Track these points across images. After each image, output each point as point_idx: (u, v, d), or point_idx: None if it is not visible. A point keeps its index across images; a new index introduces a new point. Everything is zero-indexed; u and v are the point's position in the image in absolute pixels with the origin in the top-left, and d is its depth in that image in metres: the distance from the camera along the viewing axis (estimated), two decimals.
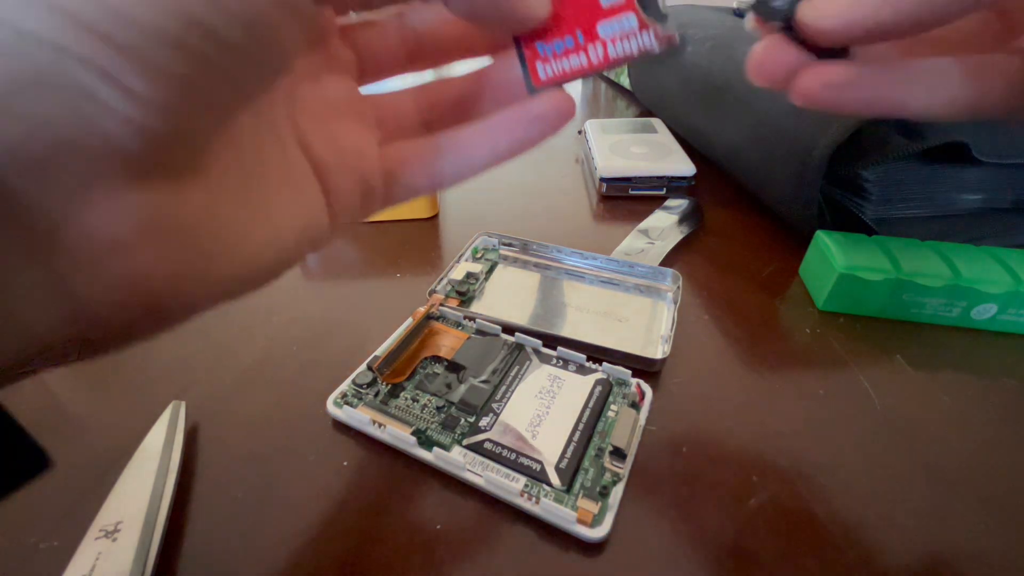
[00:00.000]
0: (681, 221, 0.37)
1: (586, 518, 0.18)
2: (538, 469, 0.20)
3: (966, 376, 0.26)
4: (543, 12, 0.14)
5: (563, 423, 0.22)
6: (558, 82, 0.14)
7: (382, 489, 0.20)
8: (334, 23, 0.16)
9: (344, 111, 0.16)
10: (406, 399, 0.23)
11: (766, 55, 0.14)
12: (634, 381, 0.24)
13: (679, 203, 0.39)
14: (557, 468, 0.20)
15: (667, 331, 0.27)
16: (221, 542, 0.19)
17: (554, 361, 0.25)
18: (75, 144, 0.09)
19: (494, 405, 0.22)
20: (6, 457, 0.09)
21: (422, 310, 0.27)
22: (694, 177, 0.41)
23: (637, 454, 0.21)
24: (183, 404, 0.22)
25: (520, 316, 0.29)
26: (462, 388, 0.23)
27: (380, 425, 0.21)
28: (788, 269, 0.33)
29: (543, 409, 0.22)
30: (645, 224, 0.36)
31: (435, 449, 0.20)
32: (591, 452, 0.21)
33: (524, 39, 0.14)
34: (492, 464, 0.20)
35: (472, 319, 0.27)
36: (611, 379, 0.24)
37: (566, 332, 0.27)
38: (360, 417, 0.22)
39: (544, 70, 0.14)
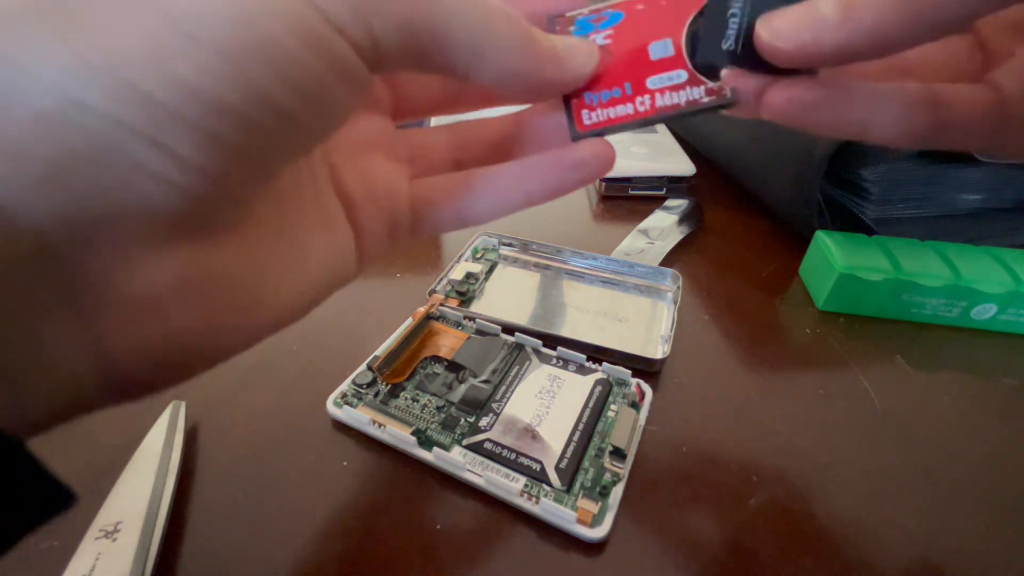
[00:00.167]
0: (681, 221, 0.37)
1: (586, 518, 0.18)
2: (538, 469, 0.20)
3: (966, 376, 0.26)
4: (587, 70, 0.13)
5: (563, 423, 0.22)
6: (602, 130, 0.14)
7: (382, 489, 0.20)
8: None
9: (377, 147, 0.15)
10: (406, 399, 0.23)
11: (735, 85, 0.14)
12: (634, 381, 0.24)
13: (679, 203, 0.39)
14: (557, 468, 0.20)
15: (667, 331, 0.27)
16: (221, 542, 0.19)
17: (554, 361, 0.25)
18: (122, 211, 0.09)
19: (494, 405, 0.22)
20: (30, 496, 0.09)
21: (422, 310, 0.27)
22: (694, 177, 0.41)
23: (637, 454, 0.21)
24: (183, 404, 0.22)
25: (520, 316, 0.29)
26: (462, 388, 0.23)
27: (380, 425, 0.21)
28: (788, 269, 0.33)
29: (543, 409, 0.22)
30: (645, 224, 0.36)
31: (435, 449, 0.20)
32: (591, 452, 0.21)
33: None
34: (492, 464, 0.20)
35: (472, 319, 0.27)
36: (611, 379, 0.24)
37: (566, 332, 0.27)
38: (360, 417, 0.22)
39: (589, 116, 0.14)
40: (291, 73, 0.09)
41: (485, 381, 0.24)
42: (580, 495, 0.19)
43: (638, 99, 0.14)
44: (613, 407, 0.23)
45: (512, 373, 0.24)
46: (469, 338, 0.26)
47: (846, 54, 0.11)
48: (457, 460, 0.20)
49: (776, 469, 0.21)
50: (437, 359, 0.25)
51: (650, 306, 0.30)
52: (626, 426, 0.21)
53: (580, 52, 0.13)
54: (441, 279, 0.30)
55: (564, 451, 0.20)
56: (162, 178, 0.09)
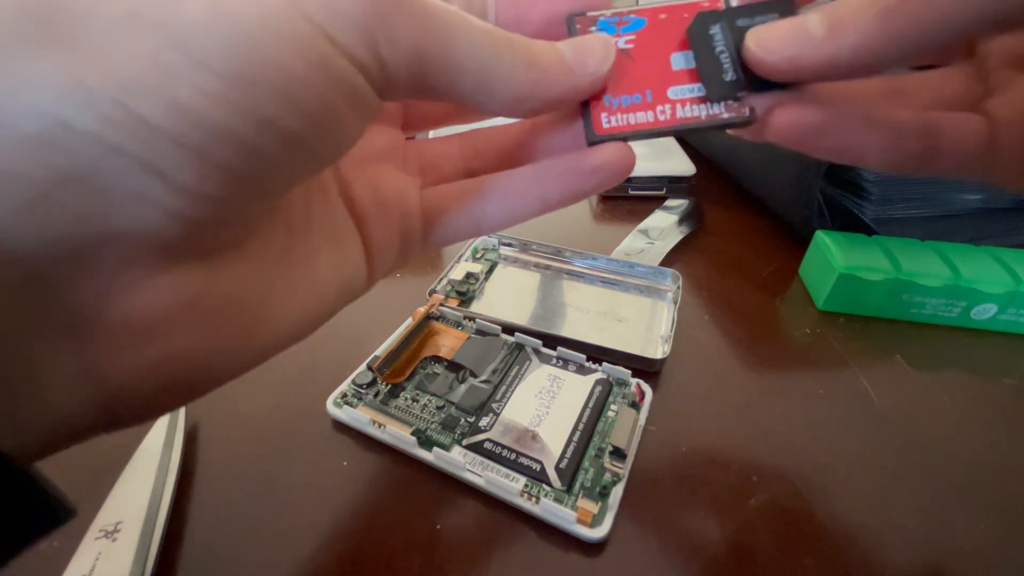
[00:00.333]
0: (681, 221, 0.37)
1: (586, 518, 0.18)
2: (538, 469, 0.20)
3: (966, 376, 0.26)
4: (603, 70, 0.13)
5: (563, 423, 0.22)
6: (620, 135, 0.14)
7: (382, 489, 0.20)
8: None
9: (387, 158, 0.15)
10: (406, 399, 0.23)
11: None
12: (634, 381, 0.24)
13: (679, 203, 0.39)
14: (557, 468, 0.20)
15: (667, 331, 0.27)
16: (221, 542, 0.19)
17: (554, 361, 0.25)
18: (114, 235, 0.08)
19: (494, 405, 0.22)
20: (29, 512, 0.09)
21: (422, 310, 0.27)
22: (694, 177, 0.41)
23: (637, 454, 0.21)
24: None
25: (520, 316, 0.29)
26: (462, 388, 0.23)
27: (380, 425, 0.21)
28: (788, 269, 0.33)
29: (543, 409, 0.22)
30: (645, 224, 0.36)
31: (435, 449, 0.20)
32: (591, 452, 0.21)
33: None
34: (492, 464, 0.20)
35: (472, 319, 0.27)
36: (611, 379, 0.24)
37: (566, 332, 0.27)
38: (360, 417, 0.22)
39: (608, 120, 0.13)
40: (299, 99, 0.09)
41: (485, 381, 0.24)
42: (580, 495, 0.19)
43: (659, 108, 0.13)
44: (613, 407, 0.23)
45: (512, 373, 0.24)
46: (469, 338, 0.26)
47: (833, 70, 0.11)
48: (457, 460, 0.20)
49: (776, 469, 0.21)
50: (437, 359, 0.25)
51: (650, 306, 0.30)
52: (626, 426, 0.21)
53: (595, 51, 0.13)
54: (441, 279, 0.30)
55: (564, 451, 0.20)
56: (156, 203, 0.08)
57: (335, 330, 0.28)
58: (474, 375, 0.24)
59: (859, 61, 0.11)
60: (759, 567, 0.18)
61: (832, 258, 0.29)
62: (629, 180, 0.41)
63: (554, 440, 0.21)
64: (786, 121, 0.12)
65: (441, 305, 0.28)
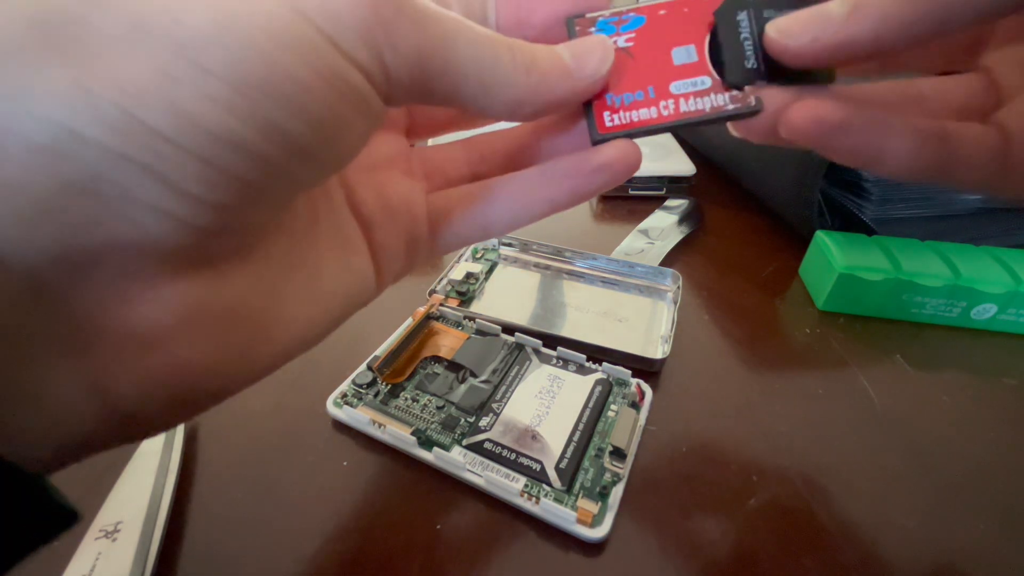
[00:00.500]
0: (681, 221, 0.37)
1: (586, 518, 0.18)
2: (538, 469, 0.20)
3: (966, 376, 0.26)
4: (602, 71, 0.13)
5: (563, 423, 0.22)
6: (624, 132, 0.14)
7: (382, 489, 0.20)
8: None
9: (392, 165, 0.15)
10: (406, 399, 0.23)
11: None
12: (634, 381, 0.24)
13: (679, 203, 0.39)
14: (557, 468, 0.20)
15: (667, 331, 0.27)
16: (221, 542, 0.19)
17: (554, 361, 0.25)
18: (118, 244, 0.08)
19: (494, 405, 0.22)
20: (35, 518, 0.09)
21: (422, 310, 0.27)
22: (694, 177, 0.41)
23: (637, 454, 0.21)
24: None
25: (520, 316, 0.29)
26: (462, 388, 0.23)
27: (380, 425, 0.21)
28: (788, 269, 0.33)
29: (543, 409, 0.22)
30: (645, 224, 0.36)
31: (435, 449, 0.20)
32: (591, 452, 0.21)
33: None
34: (492, 464, 0.20)
35: (472, 319, 0.27)
36: (611, 379, 0.24)
37: (566, 332, 0.27)
38: (360, 417, 0.22)
39: (611, 119, 0.14)
40: (305, 106, 0.09)
41: (485, 381, 0.24)
42: (580, 495, 0.19)
43: (661, 103, 0.13)
44: (613, 407, 0.23)
45: (512, 373, 0.24)
46: (469, 338, 0.26)
47: (853, 49, 0.11)
48: (457, 460, 0.20)
49: (776, 469, 0.21)
50: (437, 359, 0.25)
51: (650, 306, 0.30)
52: (626, 426, 0.21)
53: (594, 54, 0.13)
54: (441, 279, 0.30)
55: (564, 451, 0.20)
56: (162, 211, 0.08)
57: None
58: (474, 375, 0.24)
59: (881, 39, 0.11)
60: (759, 567, 0.18)
61: (832, 258, 0.29)
62: (629, 180, 0.41)
63: (554, 440, 0.21)
64: (806, 116, 0.12)
65: (441, 305, 0.28)
